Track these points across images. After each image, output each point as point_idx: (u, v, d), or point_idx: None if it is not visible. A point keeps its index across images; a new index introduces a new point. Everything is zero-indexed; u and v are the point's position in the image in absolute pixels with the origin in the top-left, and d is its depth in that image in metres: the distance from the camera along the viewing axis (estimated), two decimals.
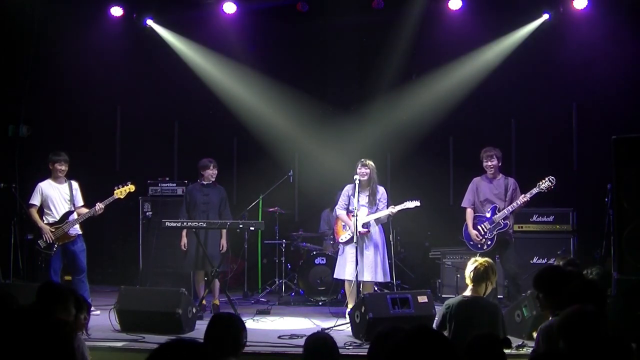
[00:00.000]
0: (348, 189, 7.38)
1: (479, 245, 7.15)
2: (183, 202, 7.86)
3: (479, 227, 7.19)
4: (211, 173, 7.72)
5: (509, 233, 7.13)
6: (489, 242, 7.09)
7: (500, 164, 7.30)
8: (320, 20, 10.04)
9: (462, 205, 7.43)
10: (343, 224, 7.34)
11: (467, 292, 4.57)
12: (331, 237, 8.53)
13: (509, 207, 7.05)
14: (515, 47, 9.42)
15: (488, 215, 7.17)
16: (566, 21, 9.23)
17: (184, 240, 7.64)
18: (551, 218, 8.51)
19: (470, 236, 7.24)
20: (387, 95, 9.88)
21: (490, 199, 7.22)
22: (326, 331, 6.43)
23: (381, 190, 7.33)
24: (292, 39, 10.17)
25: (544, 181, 6.91)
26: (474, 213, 7.31)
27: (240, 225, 7.40)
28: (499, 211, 7.09)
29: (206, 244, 7.52)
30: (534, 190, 6.96)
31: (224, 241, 7.66)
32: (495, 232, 7.07)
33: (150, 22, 9.90)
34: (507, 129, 9.95)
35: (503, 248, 7.13)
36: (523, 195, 7.02)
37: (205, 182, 7.75)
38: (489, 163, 7.26)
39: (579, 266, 4.58)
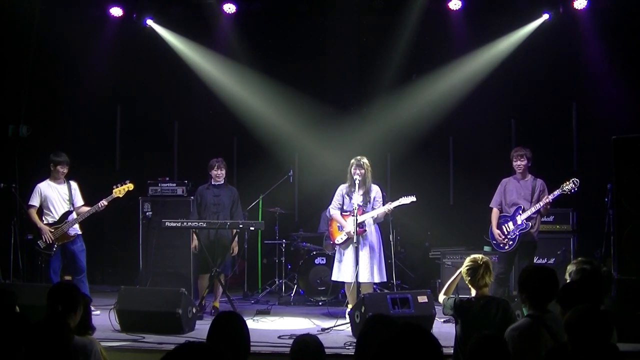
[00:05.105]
0: (342, 188, 7.34)
1: (501, 245, 7.15)
2: (194, 203, 7.79)
3: (502, 227, 7.18)
4: (216, 173, 7.64)
5: (532, 234, 7.07)
6: (511, 242, 7.07)
7: (530, 165, 7.23)
8: (320, 20, 10.05)
9: (489, 205, 7.40)
10: (338, 224, 7.29)
11: (475, 294, 4.54)
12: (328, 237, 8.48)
13: (533, 208, 7.03)
14: (515, 47, 9.43)
15: (512, 215, 7.15)
16: (566, 21, 9.24)
17: (195, 242, 7.52)
18: (551, 218, 8.49)
19: (494, 236, 7.24)
20: (387, 95, 9.88)
21: (517, 200, 7.17)
22: (326, 331, 6.45)
23: (375, 188, 7.27)
24: (292, 39, 10.17)
25: (567, 183, 6.83)
26: (500, 213, 7.29)
27: (240, 225, 7.38)
28: (524, 212, 7.06)
29: (217, 246, 7.46)
30: (557, 192, 6.88)
31: (234, 244, 7.59)
32: (517, 233, 7.05)
33: (150, 22, 9.92)
34: (507, 129, 9.96)
35: (524, 249, 7.09)
36: (546, 197, 6.99)
37: (215, 183, 7.69)
38: (519, 163, 7.19)
39: (593, 264, 4.55)
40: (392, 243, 7.97)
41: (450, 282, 4.84)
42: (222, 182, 7.71)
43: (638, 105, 8.75)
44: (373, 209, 7.16)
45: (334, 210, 7.32)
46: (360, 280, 6.85)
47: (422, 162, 9.74)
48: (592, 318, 3.14)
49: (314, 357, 3.52)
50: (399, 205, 7.08)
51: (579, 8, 9.03)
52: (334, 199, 7.37)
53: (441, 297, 4.71)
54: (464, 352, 4.30)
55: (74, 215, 7.41)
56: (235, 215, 7.65)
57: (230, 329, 3.32)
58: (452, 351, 4.58)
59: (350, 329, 6.37)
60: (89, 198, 7.61)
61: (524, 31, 9.42)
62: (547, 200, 6.96)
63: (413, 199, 7.05)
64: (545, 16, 9.30)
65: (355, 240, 6.75)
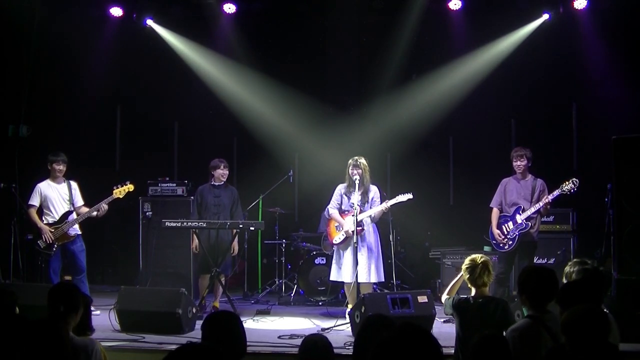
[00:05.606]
0: (340, 188, 7.34)
1: (501, 245, 7.15)
2: (194, 203, 7.79)
3: (502, 227, 7.18)
4: (221, 173, 7.63)
5: (532, 234, 7.06)
6: (511, 242, 7.06)
7: (530, 165, 7.22)
8: (320, 20, 10.04)
9: (489, 205, 7.40)
10: (336, 224, 7.28)
11: (474, 294, 4.55)
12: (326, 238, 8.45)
13: (533, 208, 7.02)
14: (515, 47, 9.43)
15: (512, 215, 7.15)
16: (566, 21, 9.24)
17: (195, 242, 7.51)
18: (551, 218, 8.49)
19: (494, 236, 7.24)
20: (387, 95, 9.88)
21: (516, 200, 7.16)
22: (326, 331, 6.45)
23: (373, 189, 7.26)
24: (292, 39, 10.17)
25: (566, 183, 6.82)
26: (500, 213, 7.28)
27: (240, 225, 7.38)
28: (524, 212, 7.06)
29: (217, 246, 7.44)
30: (556, 192, 6.87)
31: (234, 244, 7.58)
32: (517, 232, 7.05)
33: (150, 22, 9.92)
34: (507, 129, 9.96)
35: (524, 249, 7.09)
36: (545, 197, 6.98)
37: (216, 183, 7.68)
38: (519, 163, 7.19)
39: (588, 264, 4.54)
40: (392, 243, 7.97)
41: (453, 283, 4.86)
42: (223, 182, 7.71)
43: (638, 105, 8.75)
44: (371, 208, 7.15)
45: (332, 210, 7.33)
46: (359, 279, 6.84)
47: (422, 162, 9.74)
48: (589, 318, 3.14)
49: (322, 357, 3.52)
50: (397, 203, 7.06)
51: (579, 8, 9.03)
52: (333, 199, 7.37)
53: (444, 297, 4.74)
54: (463, 351, 4.31)
55: (74, 215, 7.41)
56: (235, 215, 7.64)
57: (226, 327, 3.31)
58: (453, 351, 4.59)
59: (350, 329, 6.36)
60: (89, 198, 7.61)
61: (524, 31, 9.41)
62: (547, 200, 6.95)
63: (410, 196, 7.02)
64: (545, 16, 9.29)
65: (355, 240, 6.75)
